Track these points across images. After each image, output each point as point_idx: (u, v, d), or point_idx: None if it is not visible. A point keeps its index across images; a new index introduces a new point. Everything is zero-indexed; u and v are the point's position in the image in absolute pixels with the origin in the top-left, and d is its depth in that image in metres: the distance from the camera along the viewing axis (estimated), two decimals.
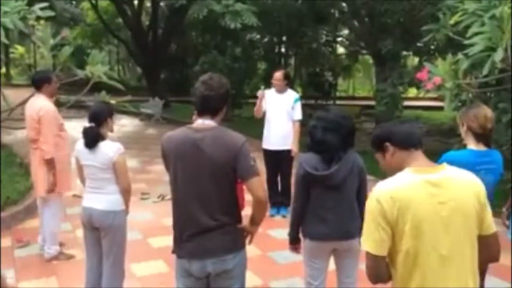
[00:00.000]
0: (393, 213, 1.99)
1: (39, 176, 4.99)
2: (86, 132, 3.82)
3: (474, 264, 2.07)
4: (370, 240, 2.04)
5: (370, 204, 2.05)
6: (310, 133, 3.33)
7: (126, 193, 3.89)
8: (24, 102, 5.44)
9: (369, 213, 2.05)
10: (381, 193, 2.03)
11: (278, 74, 6.44)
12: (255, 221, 2.87)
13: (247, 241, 2.93)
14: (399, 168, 2.13)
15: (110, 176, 3.80)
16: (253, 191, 2.70)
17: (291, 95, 6.48)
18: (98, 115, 3.85)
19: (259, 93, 6.53)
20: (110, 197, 3.81)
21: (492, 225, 2.13)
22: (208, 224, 2.71)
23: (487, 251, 2.12)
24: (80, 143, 3.85)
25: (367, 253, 2.06)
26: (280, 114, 6.37)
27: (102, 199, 3.80)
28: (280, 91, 6.41)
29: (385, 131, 2.27)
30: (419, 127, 2.30)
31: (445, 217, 2.00)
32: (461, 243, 2.03)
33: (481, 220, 2.07)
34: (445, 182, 2.03)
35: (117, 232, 3.83)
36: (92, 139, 3.78)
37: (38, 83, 4.98)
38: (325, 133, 3.22)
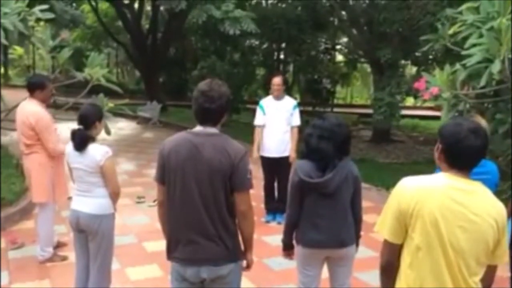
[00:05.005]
0: (410, 206, 2.01)
1: (35, 181, 4.96)
2: (74, 135, 3.78)
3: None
4: (387, 227, 2.10)
5: (393, 192, 2.10)
6: (305, 141, 3.33)
7: (115, 196, 3.87)
8: None
9: (389, 200, 2.11)
10: (405, 185, 2.06)
11: (277, 80, 6.41)
12: (246, 242, 2.87)
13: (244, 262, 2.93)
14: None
15: (97, 179, 3.77)
16: (239, 204, 2.70)
17: (290, 102, 6.48)
18: (87, 118, 3.80)
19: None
20: (97, 201, 3.78)
21: (502, 257, 2.13)
22: (203, 230, 2.70)
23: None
24: (70, 146, 3.82)
25: (384, 240, 2.13)
26: (279, 121, 6.36)
27: (89, 202, 3.77)
28: (278, 97, 6.39)
29: (445, 131, 2.07)
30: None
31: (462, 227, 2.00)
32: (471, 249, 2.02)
33: (496, 244, 2.07)
34: (474, 195, 2.03)
35: (104, 236, 3.79)
36: (80, 141, 3.73)
37: (31, 87, 4.92)
38: (320, 141, 3.22)
